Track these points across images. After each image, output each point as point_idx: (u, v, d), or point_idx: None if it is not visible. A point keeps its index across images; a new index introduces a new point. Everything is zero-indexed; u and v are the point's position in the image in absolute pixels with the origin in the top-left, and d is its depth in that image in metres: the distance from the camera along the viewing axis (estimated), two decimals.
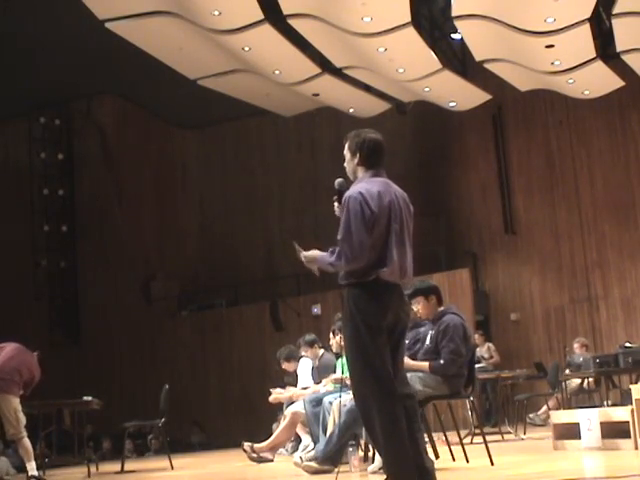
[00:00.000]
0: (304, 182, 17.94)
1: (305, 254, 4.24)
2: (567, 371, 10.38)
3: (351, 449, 6.21)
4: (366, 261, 4.02)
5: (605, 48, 13.41)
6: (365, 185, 4.16)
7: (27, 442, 7.92)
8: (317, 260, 4.20)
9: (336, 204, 4.28)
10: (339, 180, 4.33)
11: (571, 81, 13.45)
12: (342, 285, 4.14)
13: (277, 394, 9.06)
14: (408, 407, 4.08)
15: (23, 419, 7.97)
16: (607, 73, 13.23)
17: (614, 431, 6.63)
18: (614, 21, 11.75)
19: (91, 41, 13.82)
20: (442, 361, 6.04)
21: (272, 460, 8.67)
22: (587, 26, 11.65)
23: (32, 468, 7.90)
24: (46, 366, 8.41)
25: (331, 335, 7.92)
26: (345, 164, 4.36)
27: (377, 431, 4.00)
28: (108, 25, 11.64)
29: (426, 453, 4.13)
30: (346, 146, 4.33)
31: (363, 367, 4.02)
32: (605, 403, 9.44)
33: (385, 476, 4.11)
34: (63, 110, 18.05)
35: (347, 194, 4.14)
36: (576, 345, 11.95)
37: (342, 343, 7.57)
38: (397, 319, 4.13)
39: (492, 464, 5.92)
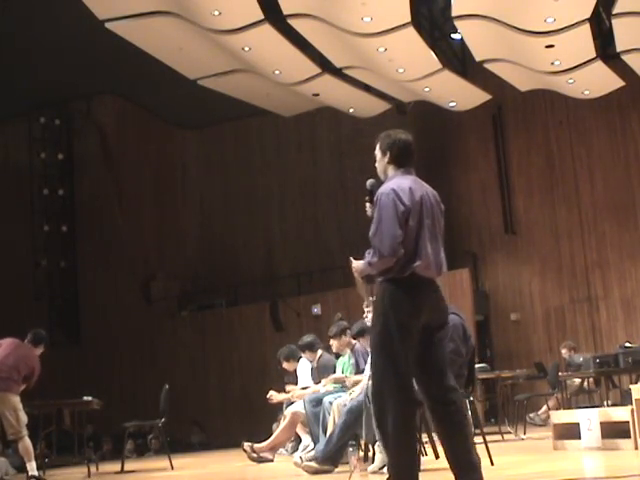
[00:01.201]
0: (304, 182, 17.94)
1: (355, 265, 4.26)
2: (566, 372, 10.37)
3: (351, 449, 6.20)
4: (399, 256, 4.01)
5: (605, 48, 13.41)
6: (397, 181, 4.19)
7: (28, 442, 7.85)
8: (364, 267, 4.18)
9: (368, 204, 4.30)
10: (371, 180, 4.37)
11: (571, 81, 13.45)
12: (379, 281, 4.13)
13: (275, 396, 9.06)
14: (456, 400, 4.06)
15: (24, 418, 7.89)
16: (607, 73, 13.23)
17: (614, 431, 6.63)
18: (614, 21, 11.75)
19: (91, 41, 13.82)
20: None
21: (272, 460, 8.66)
22: (587, 26, 11.65)
23: (32, 468, 7.85)
24: (46, 366, 8.37)
25: None
26: (376, 164, 4.39)
27: (389, 429, 3.98)
28: (108, 25, 11.64)
29: (474, 448, 4.05)
30: (377, 147, 4.37)
31: (386, 363, 4.00)
32: (605, 403, 9.43)
33: (387, 476, 4.11)
34: (63, 110, 18.05)
35: (379, 192, 4.16)
36: (564, 350, 11.95)
37: (338, 345, 7.70)
38: (432, 315, 4.10)
39: (492, 464, 5.91)
